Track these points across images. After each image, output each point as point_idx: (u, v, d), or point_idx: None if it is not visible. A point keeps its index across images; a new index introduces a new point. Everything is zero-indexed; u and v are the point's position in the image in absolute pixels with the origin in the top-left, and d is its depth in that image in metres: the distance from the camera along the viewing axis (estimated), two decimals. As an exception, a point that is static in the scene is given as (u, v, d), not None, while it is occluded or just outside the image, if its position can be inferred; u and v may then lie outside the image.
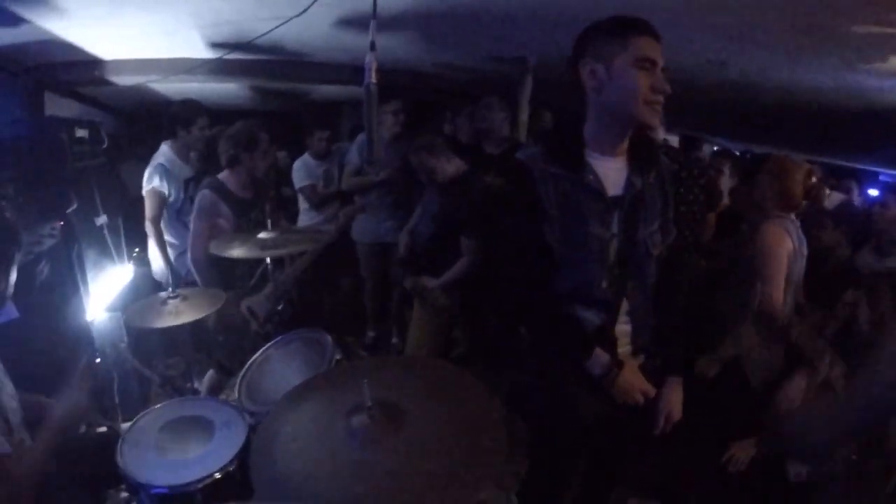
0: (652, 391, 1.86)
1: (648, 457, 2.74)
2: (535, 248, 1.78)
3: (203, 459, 1.94)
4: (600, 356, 1.79)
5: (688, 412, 2.01)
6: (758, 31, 2.51)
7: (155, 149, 4.02)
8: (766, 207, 2.62)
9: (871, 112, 3.86)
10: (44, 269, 2.82)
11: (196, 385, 3.37)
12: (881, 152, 4.28)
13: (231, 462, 1.91)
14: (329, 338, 2.53)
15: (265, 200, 3.43)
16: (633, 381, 1.83)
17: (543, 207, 1.75)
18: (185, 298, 2.75)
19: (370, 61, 2.14)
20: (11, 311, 2.10)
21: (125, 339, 3.56)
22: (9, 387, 1.77)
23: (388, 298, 4.68)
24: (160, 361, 3.82)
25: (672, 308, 1.99)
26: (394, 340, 4.48)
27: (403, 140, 4.08)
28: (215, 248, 2.91)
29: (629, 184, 1.82)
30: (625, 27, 1.67)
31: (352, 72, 3.92)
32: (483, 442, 1.35)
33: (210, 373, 3.36)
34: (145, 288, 3.85)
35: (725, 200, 3.89)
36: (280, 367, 2.53)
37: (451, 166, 3.34)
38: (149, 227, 3.86)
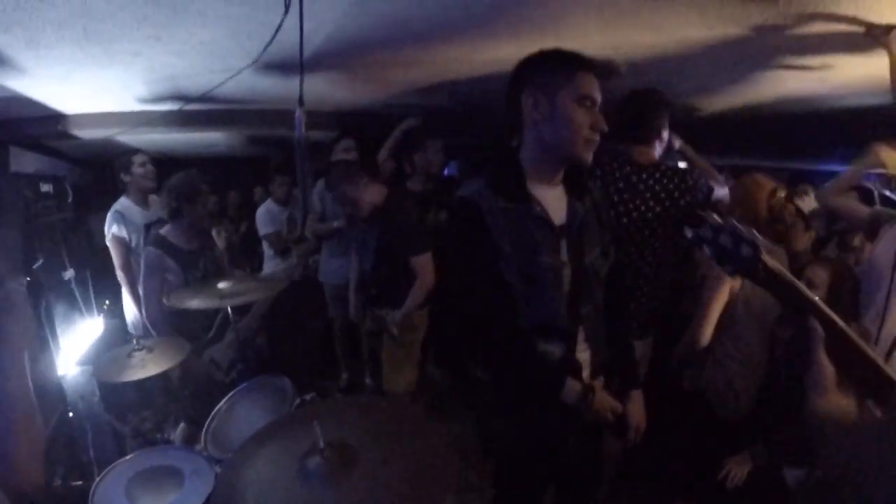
0: (620, 408, 1.90)
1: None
2: (492, 285, 1.78)
3: (174, 508, 1.92)
4: (573, 385, 1.81)
5: (675, 432, 2.04)
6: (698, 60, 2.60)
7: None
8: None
9: (816, 115, 4.01)
10: (9, 325, 2.80)
11: (170, 436, 3.34)
12: (833, 152, 4.44)
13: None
14: (288, 382, 2.57)
15: (212, 250, 3.44)
16: (605, 401, 1.86)
17: (496, 243, 1.75)
18: (150, 350, 2.74)
19: (299, 116, 2.16)
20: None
21: (97, 392, 3.56)
22: None
23: (358, 339, 4.67)
24: (133, 414, 3.77)
25: (622, 326, 2.07)
26: (367, 381, 4.47)
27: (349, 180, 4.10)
28: (174, 301, 2.90)
29: (572, 210, 1.85)
30: (570, 62, 1.72)
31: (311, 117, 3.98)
32: (435, 479, 1.38)
33: (182, 425, 3.34)
34: (117, 341, 3.80)
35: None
36: (245, 413, 2.54)
37: (370, 193, 3.30)
38: (119, 276, 3.86)
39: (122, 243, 3.81)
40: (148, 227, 3.84)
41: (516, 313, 1.80)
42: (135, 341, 2.77)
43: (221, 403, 2.58)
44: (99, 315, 3.88)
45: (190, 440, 3.29)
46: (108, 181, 5.32)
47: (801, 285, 1.01)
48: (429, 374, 3.78)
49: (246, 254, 5.77)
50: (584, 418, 1.83)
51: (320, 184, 4.35)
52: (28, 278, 2.95)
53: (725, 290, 2.60)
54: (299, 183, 2.46)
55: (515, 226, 1.77)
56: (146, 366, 2.66)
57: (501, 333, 1.82)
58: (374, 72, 2.91)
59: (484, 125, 3.61)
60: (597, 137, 1.73)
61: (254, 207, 5.38)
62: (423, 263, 3.20)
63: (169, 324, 3.19)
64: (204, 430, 2.44)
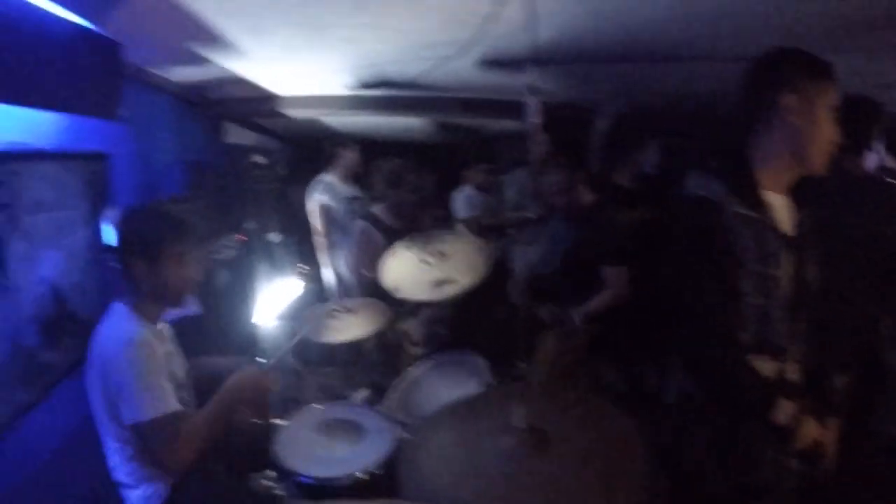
0: (829, 438, 1.73)
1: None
2: (723, 294, 1.66)
3: (351, 459, 2.07)
4: (785, 405, 1.65)
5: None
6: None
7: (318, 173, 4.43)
8: None
9: None
10: (222, 276, 3.18)
11: (350, 398, 3.58)
12: None
13: (378, 466, 2.02)
14: (483, 362, 2.63)
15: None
16: (813, 427, 1.69)
17: (734, 251, 1.63)
18: (351, 312, 2.86)
19: (534, 104, 2.16)
20: (195, 307, 2.38)
21: (289, 347, 3.90)
22: (182, 369, 2.01)
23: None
24: (318, 371, 4.09)
25: (824, 351, 1.88)
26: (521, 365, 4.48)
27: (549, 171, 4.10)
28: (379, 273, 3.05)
29: (801, 222, 1.73)
30: (830, 70, 1.63)
31: (510, 108, 4.07)
32: (621, 486, 1.37)
33: (365, 390, 3.56)
34: (312, 303, 4.14)
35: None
36: (435, 384, 2.62)
37: (580, 192, 3.28)
38: (319, 241, 4.23)
39: (327, 211, 4.18)
40: (351, 200, 4.15)
41: (738, 326, 1.68)
42: (337, 302, 2.96)
43: (414, 369, 2.70)
44: (297, 277, 4.24)
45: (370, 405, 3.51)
46: (310, 159, 5.85)
47: None
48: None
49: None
50: (787, 442, 1.68)
51: (518, 173, 4.42)
52: (241, 236, 3.30)
53: None
54: (531, 169, 2.49)
55: (752, 234, 1.65)
56: (347, 328, 2.79)
57: (720, 345, 1.70)
58: (585, 66, 2.86)
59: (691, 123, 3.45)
60: (835, 148, 1.66)
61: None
62: (618, 275, 3.14)
63: (373, 291, 3.37)
64: (392, 392, 2.57)
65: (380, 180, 3.52)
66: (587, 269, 3.20)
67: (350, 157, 4.36)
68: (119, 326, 1.78)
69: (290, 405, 3.39)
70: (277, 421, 2.66)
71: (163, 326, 1.98)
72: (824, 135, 1.63)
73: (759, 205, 1.67)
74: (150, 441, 1.73)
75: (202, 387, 2.02)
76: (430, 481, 1.44)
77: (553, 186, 3.27)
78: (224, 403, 1.89)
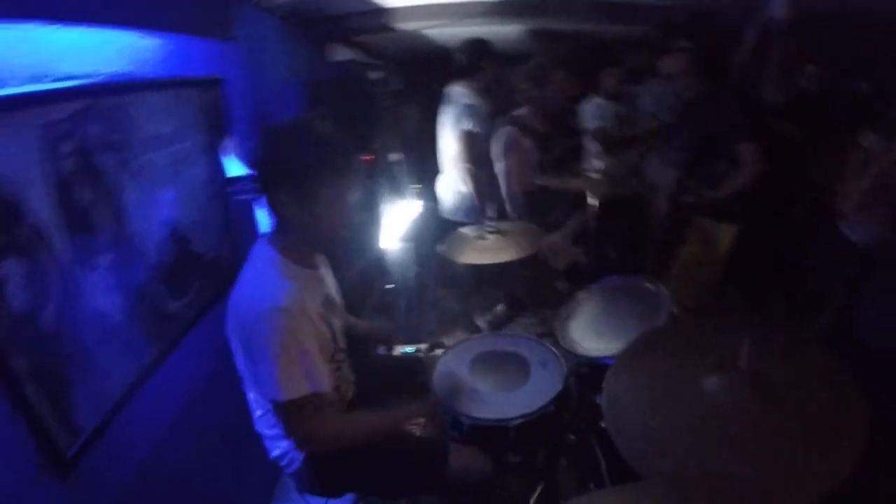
0: None
1: None
2: None
3: (519, 398, 1.86)
4: None
5: None
6: None
7: (427, 92, 4.09)
8: None
9: None
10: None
11: (478, 321, 3.43)
12: None
13: (548, 404, 1.81)
14: (663, 290, 2.26)
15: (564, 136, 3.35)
16: None
17: None
18: (503, 234, 2.62)
19: None
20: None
21: (415, 268, 3.78)
22: (340, 306, 1.84)
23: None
24: (449, 291, 3.95)
25: None
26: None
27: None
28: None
29: None
30: None
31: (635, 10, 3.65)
32: (842, 442, 1.13)
33: (500, 307, 3.38)
34: (431, 222, 3.96)
35: None
36: (605, 312, 2.32)
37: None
38: (465, 168, 3.86)
39: (475, 138, 3.76)
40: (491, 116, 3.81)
41: None
42: (487, 223, 2.68)
43: (579, 295, 2.41)
44: (415, 197, 4.05)
45: (502, 323, 3.34)
46: (414, 74, 5.57)
47: None
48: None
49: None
50: None
51: (651, 83, 3.97)
52: (370, 156, 3.13)
53: None
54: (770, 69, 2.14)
55: None
56: (499, 251, 2.52)
57: None
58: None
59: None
60: None
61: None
62: (753, 151, 2.84)
63: (527, 202, 3.24)
64: (558, 321, 2.28)
65: (524, 80, 3.26)
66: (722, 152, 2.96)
67: (486, 71, 3.81)
68: (267, 282, 1.54)
69: (421, 329, 3.31)
70: (410, 348, 2.53)
71: (322, 267, 1.78)
72: None
73: None
74: (286, 420, 1.55)
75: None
76: (635, 424, 1.25)
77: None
78: (385, 430, 1.70)
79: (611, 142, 4.31)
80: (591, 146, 4.47)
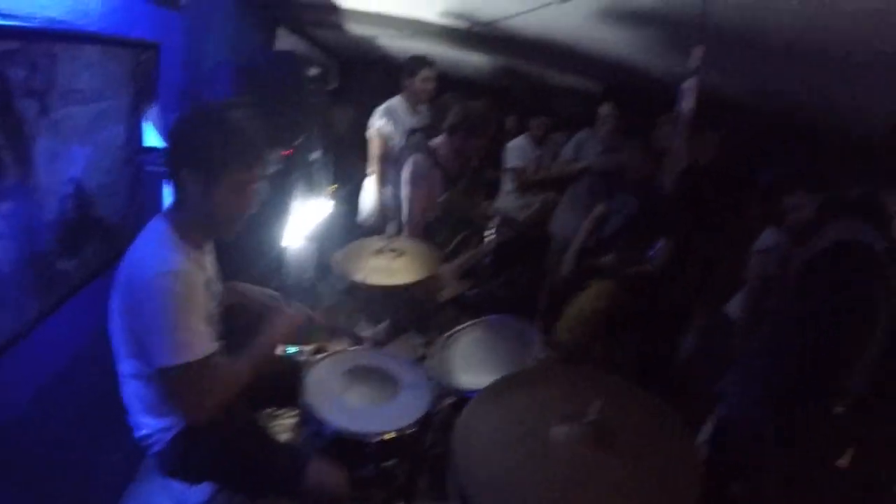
0: None
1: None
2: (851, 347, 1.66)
3: (383, 415, 1.93)
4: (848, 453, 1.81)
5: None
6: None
7: (366, 96, 4.21)
8: None
9: None
10: (264, 191, 2.99)
11: (361, 332, 3.47)
12: None
13: (411, 426, 1.89)
14: (536, 332, 2.42)
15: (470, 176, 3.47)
16: None
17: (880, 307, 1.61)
18: (400, 254, 2.64)
19: (690, 86, 1.96)
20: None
21: (310, 270, 3.78)
22: (219, 288, 1.85)
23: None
24: (336, 295, 3.97)
25: None
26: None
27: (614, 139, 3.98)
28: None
29: None
30: None
31: (598, 66, 3.80)
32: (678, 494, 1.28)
33: (385, 324, 3.44)
34: (340, 225, 4.00)
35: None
36: (479, 347, 2.43)
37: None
38: (373, 168, 4.00)
39: (386, 138, 3.95)
40: (413, 131, 3.90)
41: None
42: (387, 240, 2.73)
43: (459, 328, 2.50)
44: (328, 198, 4.07)
45: (384, 340, 3.40)
46: (358, 79, 5.61)
47: None
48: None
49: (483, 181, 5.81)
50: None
51: (581, 133, 4.27)
52: (290, 151, 3.13)
53: None
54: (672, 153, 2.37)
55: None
56: (392, 272, 2.56)
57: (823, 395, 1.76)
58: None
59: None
60: None
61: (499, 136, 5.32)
62: (669, 249, 3.17)
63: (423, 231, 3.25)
64: (436, 348, 2.39)
65: (460, 117, 3.22)
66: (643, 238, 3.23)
67: (417, 83, 4.04)
68: (158, 251, 1.56)
69: (307, 330, 3.31)
70: (293, 349, 2.55)
71: (207, 252, 1.80)
72: None
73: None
74: (176, 386, 1.56)
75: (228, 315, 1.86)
76: (482, 461, 1.34)
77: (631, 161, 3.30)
78: (262, 355, 1.74)
79: (525, 182, 4.55)
80: (507, 184, 4.70)
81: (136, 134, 2.18)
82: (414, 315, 3.12)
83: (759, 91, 2.93)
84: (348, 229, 3.99)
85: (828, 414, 1.69)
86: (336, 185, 4.41)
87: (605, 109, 3.98)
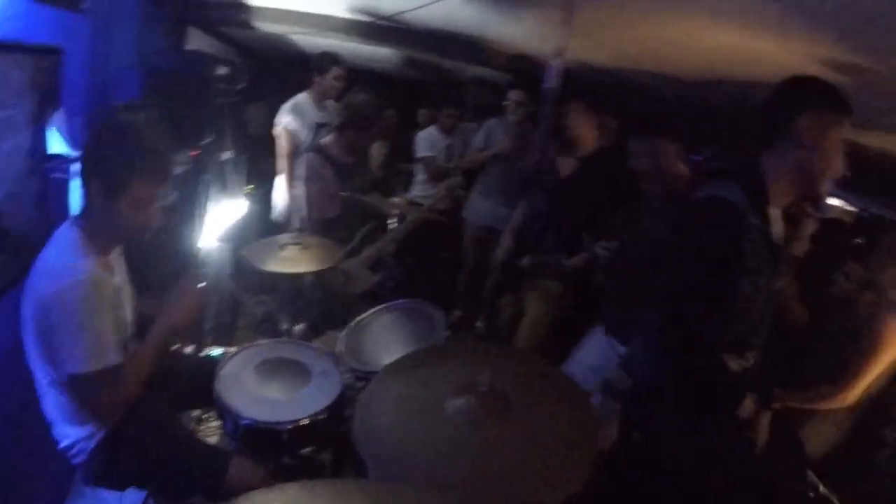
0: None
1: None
2: (720, 292, 1.75)
3: (295, 403, 2.03)
4: (749, 402, 1.84)
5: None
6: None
7: (282, 94, 4.24)
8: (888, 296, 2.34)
9: None
10: (172, 193, 3.01)
11: (286, 331, 3.54)
12: None
13: (322, 412, 1.99)
14: (440, 314, 2.59)
15: (366, 166, 3.56)
16: (766, 423, 1.90)
17: (745, 255, 1.74)
18: (304, 247, 2.81)
19: (556, 66, 2.17)
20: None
21: (230, 269, 3.80)
22: (130, 299, 1.91)
23: (482, 283, 4.70)
24: (254, 298, 4.01)
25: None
26: (477, 324, 4.52)
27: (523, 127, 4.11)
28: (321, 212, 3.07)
29: (782, 236, 1.85)
30: (844, 105, 1.69)
31: (503, 55, 3.96)
32: (575, 456, 1.38)
33: (303, 325, 3.52)
34: (255, 225, 4.03)
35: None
36: (386, 331, 2.59)
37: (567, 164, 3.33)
38: (281, 165, 4.06)
39: (292, 135, 4.00)
40: (319, 126, 3.97)
41: (724, 326, 1.81)
42: (293, 235, 2.89)
43: (367, 314, 2.65)
44: (244, 198, 4.09)
45: (304, 335, 3.48)
46: (274, 76, 5.59)
47: None
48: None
49: (397, 173, 5.92)
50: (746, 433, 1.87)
51: (491, 121, 4.40)
52: (197, 152, 3.14)
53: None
54: (540, 131, 2.55)
55: (759, 244, 1.76)
56: (297, 262, 2.74)
57: (707, 336, 1.80)
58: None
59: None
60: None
61: (411, 128, 5.45)
62: (590, 241, 3.20)
63: (321, 227, 3.36)
64: (343, 336, 2.51)
65: (349, 112, 3.39)
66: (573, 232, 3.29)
67: (329, 80, 4.13)
68: (66, 258, 1.62)
69: (229, 332, 3.35)
70: (217, 351, 2.61)
71: (115, 256, 1.85)
72: (835, 164, 1.71)
73: (766, 217, 1.77)
74: (85, 393, 1.63)
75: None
76: (382, 435, 1.43)
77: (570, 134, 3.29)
78: (158, 347, 1.80)
79: (437, 171, 4.69)
80: (420, 174, 4.84)
81: (40, 141, 2.18)
82: (329, 310, 3.21)
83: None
84: (266, 228, 4.02)
85: (723, 366, 1.81)
86: (252, 186, 4.45)
87: (513, 95, 4.12)
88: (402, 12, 3.08)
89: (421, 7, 2.84)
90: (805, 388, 2.47)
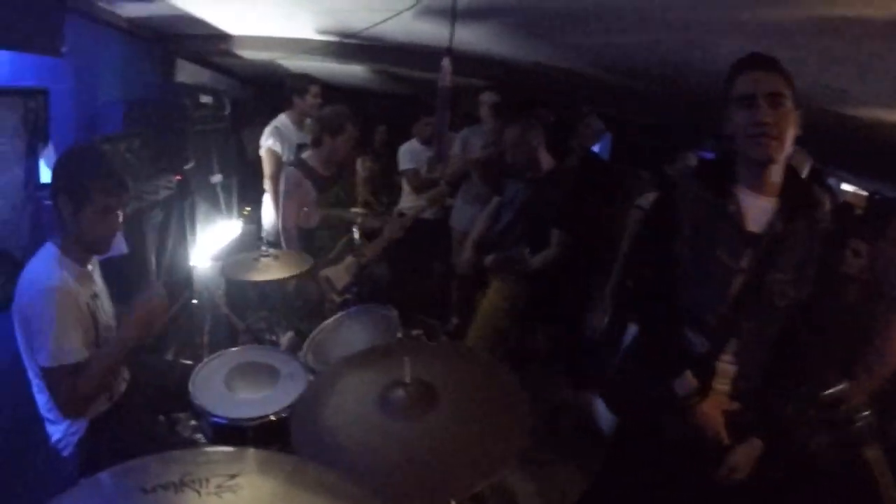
0: (724, 437, 1.82)
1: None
2: (660, 256, 1.87)
3: (261, 402, 2.22)
4: (688, 379, 1.81)
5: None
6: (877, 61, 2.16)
7: (275, 117, 4.44)
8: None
9: None
10: (157, 215, 3.24)
11: (278, 340, 3.73)
12: None
13: (285, 409, 2.16)
14: (396, 315, 2.79)
15: (347, 179, 3.74)
16: (711, 416, 1.81)
17: (678, 223, 1.82)
18: (276, 258, 3.06)
19: (446, 65, 2.32)
20: (122, 247, 2.48)
21: (223, 287, 4.01)
22: (108, 307, 2.14)
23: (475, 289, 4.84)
24: (250, 313, 4.21)
25: (785, 369, 1.90)
26: (454, 321, 4.71)
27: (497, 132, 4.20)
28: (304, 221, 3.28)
29: (770, 225, 1.79)
30: (732, 68, 1.74)
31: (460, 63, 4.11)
32: (504, 442, 1.47)
33: (290, 333, 3.70)
34: (251, 244, 4.23)
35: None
36: (349, 334, 2.79)
37: (546, 158, 3.48)
38: (267, 185, 4.26)
39: (275, 156, 4.20)
40: (300, 146, 4.18)
41: (676, 293, 1.86)
42: (263, 248, 3.13)
43: (329, 320, 2.87)
44: (238, 219, 4.31)
45: (294, 348, 3.67)
46: (265, 99, 5.82)
47: None
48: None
49: (386, 187, 6.16)
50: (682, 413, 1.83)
51: (466, 130, 4.59)
52: (179, 177, 3.35)
53: None
54: (436, 128, 2.66)
55: (703, 215, 1.81)
56: (268, 271, 2.98)
57: (656, 304, 1.90)
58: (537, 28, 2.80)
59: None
60: (760, 131, 1.68)
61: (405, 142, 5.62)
62: (563, 241, 3.39)
63: (300, 238, 3.57)
64: (308, 340, 2.72)
65: (318, 125, 3.60)
66: (538, 230, 3.44)
67: (308, 100, 4.33)
68: (43, 268, 1.87)
69: (219, 345, 3.53)
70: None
71: (91, 267, 2.07)
72: (733, 125, 1.73)
73: (723, 195, 1.80)
74: (50, 385, 1.85)
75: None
76: (322, 424, 1.55)
77: (527, 147, 3.42)
78: (115, 354, 1.97)
79: (419, 183, 4.86)
80: (406, 186, 5.01)
81: (34, 173, 2.43)
82: (312, 318, 3.39)
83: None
84: (257, 246, 4.23)
85: (677, 335, 1.85)
86: (250, 209, 4.68)
87: (485, 98, 4.32)
88: (365, 29, 3.26)
89: (378, 24, 3.03)
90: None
